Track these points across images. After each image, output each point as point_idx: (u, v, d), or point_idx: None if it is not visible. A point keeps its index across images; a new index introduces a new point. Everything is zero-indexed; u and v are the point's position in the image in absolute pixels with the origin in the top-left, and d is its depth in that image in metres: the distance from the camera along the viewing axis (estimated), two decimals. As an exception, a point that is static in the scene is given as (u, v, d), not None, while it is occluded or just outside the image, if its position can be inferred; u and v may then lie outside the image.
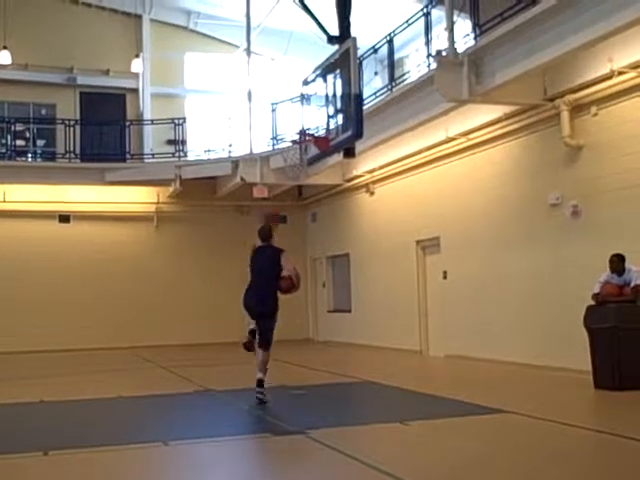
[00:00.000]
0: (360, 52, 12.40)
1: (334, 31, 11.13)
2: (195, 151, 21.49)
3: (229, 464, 6.63)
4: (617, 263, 10.05)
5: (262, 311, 9.47)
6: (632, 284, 9.89)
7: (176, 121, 20.68)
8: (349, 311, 19.78)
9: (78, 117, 21.62)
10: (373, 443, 7.22)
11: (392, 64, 15.16)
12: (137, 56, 23.12)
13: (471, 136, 14.16)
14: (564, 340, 11.62)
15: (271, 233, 9.74)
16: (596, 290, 10.10)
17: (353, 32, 10.84)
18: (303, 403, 9.89)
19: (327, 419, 8.49)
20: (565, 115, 11.66)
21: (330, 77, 11.06)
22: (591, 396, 9.67)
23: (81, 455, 6.81)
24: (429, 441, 7.22)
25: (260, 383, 9.37)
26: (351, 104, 10.26)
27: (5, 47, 21.20)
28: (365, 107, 12.73)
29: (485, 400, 8.98)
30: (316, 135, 11.46)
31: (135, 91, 23.33)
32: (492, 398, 9.16)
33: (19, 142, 21.44)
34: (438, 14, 13.52)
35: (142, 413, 9.52)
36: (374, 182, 18.20)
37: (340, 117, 10.85)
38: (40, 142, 22.34)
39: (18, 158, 21.03)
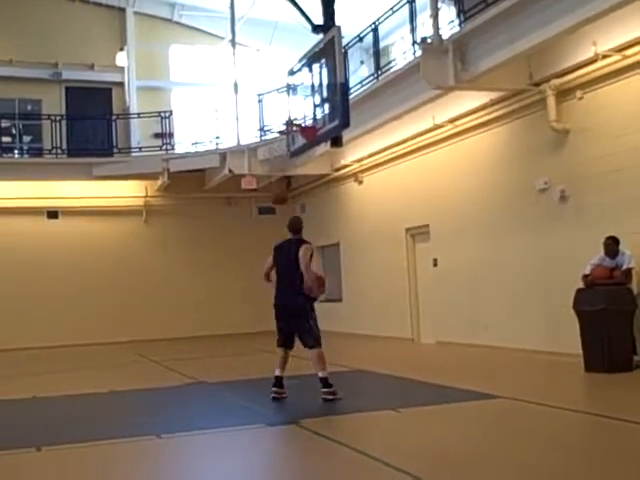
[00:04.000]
0: (345, 41, 12.39)
1: (318, 20, 11.09)
2: (182, 144, 21.44)
3: (223, 455, 6.64)
4: (610, 246, 10.09)
5: (292, 310, 8.77)
6: (624, 267, 9.95)
7: (163, 114, 20.59)
8: (340, 300, 19.79)
9: (64, 112, 21.52)
10: (366, 431, 7.24)
11: (377, 52, 15.15)
12: (122, 49, 23.02)
13: (458, 123, 14.16)
14: (554, 324, 11.67)
15: (297, 224, 8.98)
16: (587, 271, 10.15)
17: (338, 21, 10.80)
18: (296, 393, 9.87)
19: (321, 408, 8.50)
20: (551, 100, 11.67)
21: (316, 67, 11.03)
22: (582, 379, 9.72)
23: (74, 450, 6.81)
24: (422, 428, 7.25)
25: (325, 382, 8.62)
26: (337, 93, 10.24)
27: (-12, 43, 21.10)
28: (351, 96, 12.71)
29: (477, 386, 9.01)
30: (303, 125, 11.44)
31: (121, 85, 23.22)
32: (484, 384, 9.20)
33: (5, 139, 21.31)
34: (423, 1, 13.49)
35: (135, 407, 9.51)
36: (362, 171, 18.19)
37: (326, 107, 10.82)
38: (26, 138, 22.22)
39: (4, 155, 20.89)
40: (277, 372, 9.01)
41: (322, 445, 6.58)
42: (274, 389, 8.96)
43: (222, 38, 22.59)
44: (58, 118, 20.13)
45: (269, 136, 18.24)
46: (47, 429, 8.06)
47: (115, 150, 20.65)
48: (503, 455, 5.95)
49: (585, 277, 10.14)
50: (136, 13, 23.49)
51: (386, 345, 15.88)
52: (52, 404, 9.90)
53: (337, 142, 11.24)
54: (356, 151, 17.53)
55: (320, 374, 8.67)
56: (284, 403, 8.78)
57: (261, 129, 19.22)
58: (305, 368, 10.47)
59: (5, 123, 21.27)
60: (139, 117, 21.81)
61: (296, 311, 8.76)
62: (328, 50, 10.41)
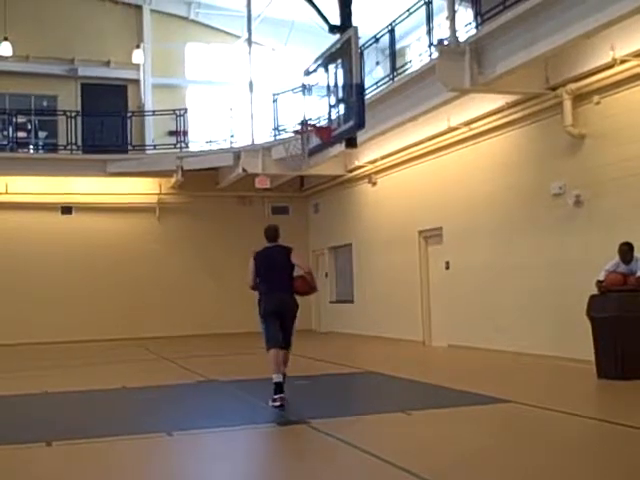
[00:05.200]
0: (361, 41, 12.34)
1: (335, 20, 11.08)
2: (197, 142, 21.47)
3: (233, 454, 6.64)
4: (625, 252, 9.99)
5: (288, 312, 8.85)
6: (638, 274, 9.86)
7: (177, 112, 20.66)
8: (351, 302, 19.78)
9: (79, 108, 21.61)
10: (376, 433, 7.23)
11: (394, 53, 15.12)
12: (138, 47, 23.07)
13: (473, 126, 14.12)
14: (567, 330, 11.61)
15: (278, 232, 9.15)
16: (601, 277, 10.07)
17: (354, 21, 10.78)
18: (306, 393, 9.90)
19: (330, 409, 8.51)
20: (567, 104, 11.62)
21: (331, 67, 11.02)
22: (594, 386, 9.66)
23: (84, 445, 6.84)
24: (432, 431, 7.22)
25: (280, 387, 8.47)
26: (353, 94, 10.23)
27: (6, 39, 21.15)
28: (367, 97, 12.68)
29: (488, 390, 8.98)
30: (318, 125, 11.43)
31: (136, 82, 23.28)
32: (495, 388, 9.16)
33: (21, 134, 21.39)
34: (440, 3, 13.46)
35: (145, 404, 9.52)
36: (376, 172, 18.17)
37: (342, 107, 10.81)
38: (42, 134, 22.30)
39: (20, 150, 21.00)
40: (278, 378, 8.50)
41: (332, 446, 6.58)
42: (281, 396, 8.42)
43: (238, 37, 22.62)
44: (73, 114, 20.23)
45: (283, 136, 18.24)
46: (58, 424, 8.09)
47: (129, 147, 20.71)
48: (513, 460, 5.93)
49: (599, 283, 10.07)
50: (152, 11, 23.54)
51: (397, 347, 15.85)
52: (63, 399, 9.94)
53: (352, 143, 11.23)
54: (370, 152, 17.52)
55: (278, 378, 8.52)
56: (295, 403, 8.76)
57: (276, 129, 19.23)
58: (315, 369, 10.51)
59: (21, 119, 21.36)
60: (154, 114, 21.88)
61: (293, 313, 8.88)
62: (344, 50, 10.39)
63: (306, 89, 12.11)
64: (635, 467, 5.61)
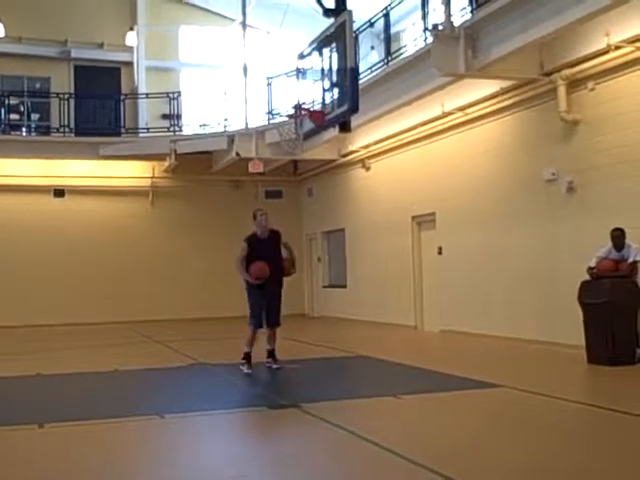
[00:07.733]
0: (356, 25, 12.32)
1: (330, 4, 11.03)
2: (190, 125, 21.39)
3: (224, 437, 6.67)
4: (618, 237, 10.01)
5: None
6: (630, 260, 9.90)
7: (171, 95, 20.57)
8: (344, 286, 19.81)
9: (72, 91, 21.49)
10: (367, 417, 7.25)
11: (388, 38, 15.07)
12: (132, 29, 22.93)
13: (467, 111, 14.10)
14: (558, 315, 11.66)
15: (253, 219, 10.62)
16: (592, 264, 10.11)
17: (349, 5, 10.73)
18: (298, 377, 9.93)
19: (322, 393, 8.53)
20: (562, 90, 11.61)
21: (326, 51, 10.98)
22: (584, 371, 9.72)
23: (77, 428, 6.85)
24: (423, 415, 7.26)
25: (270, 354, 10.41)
26: (347, 78, 10.20)
27: (-2, 19, 21.02)
28: (361, 81, 12.66)
29: (479, 375, 9.02)
30: (312, 109, 11.40)
31: (130, 64, 23.15)
32: (486, 373, 9.20)
33: (13, 116, 21.29)
34: (435, -13, 13.41)
35: (138, 386, 9.56)
36: (370, 157, 18.15)
37: (336, 91, 10.79)
38: (34, 116, 22.20)
39: (12, 132, 20.90)
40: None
41: (323, 429, 6.60)
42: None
43: (233, 20, 22.48)
44: (66, 96, 20.15)
45: (277, 120, 18.20)
46: (50, 406, 8.10)
47: (123, 130, 20.63)
48: (503, 444, 5.96)
49: (590, 269, 10.11)
50: (147, -8, 23.40)
51: (389, 332, 15.90)
52: (56, 382, 9.95)
53: (345, 127, 11.21)
54: (364, 137, 17.49)
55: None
56: (286, 386, 8.80)
57: (269, 112, 19.18)
58: (307, 353, 10.50)
59: (13, 100, 21.25)
60: (147, 97, 21.77)
61: None
62: (339, 34, 10.35)
63: (300, 73, 12.07)
64: (625, 451, 5.65)
